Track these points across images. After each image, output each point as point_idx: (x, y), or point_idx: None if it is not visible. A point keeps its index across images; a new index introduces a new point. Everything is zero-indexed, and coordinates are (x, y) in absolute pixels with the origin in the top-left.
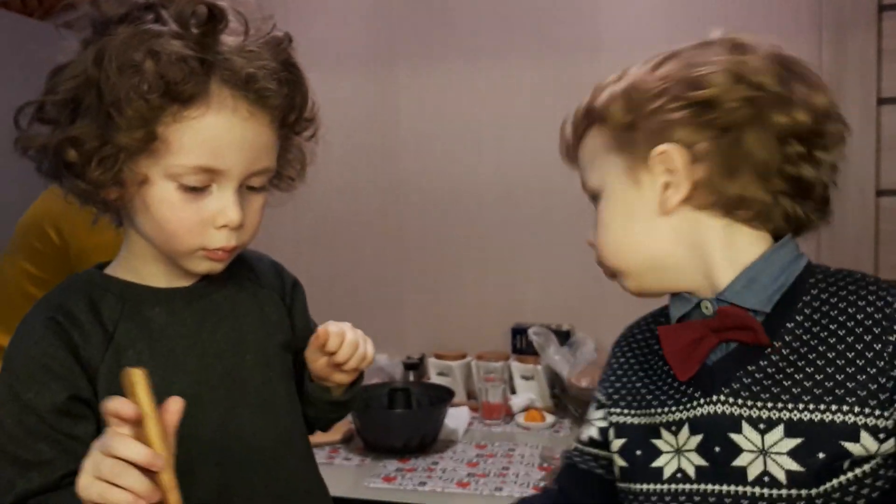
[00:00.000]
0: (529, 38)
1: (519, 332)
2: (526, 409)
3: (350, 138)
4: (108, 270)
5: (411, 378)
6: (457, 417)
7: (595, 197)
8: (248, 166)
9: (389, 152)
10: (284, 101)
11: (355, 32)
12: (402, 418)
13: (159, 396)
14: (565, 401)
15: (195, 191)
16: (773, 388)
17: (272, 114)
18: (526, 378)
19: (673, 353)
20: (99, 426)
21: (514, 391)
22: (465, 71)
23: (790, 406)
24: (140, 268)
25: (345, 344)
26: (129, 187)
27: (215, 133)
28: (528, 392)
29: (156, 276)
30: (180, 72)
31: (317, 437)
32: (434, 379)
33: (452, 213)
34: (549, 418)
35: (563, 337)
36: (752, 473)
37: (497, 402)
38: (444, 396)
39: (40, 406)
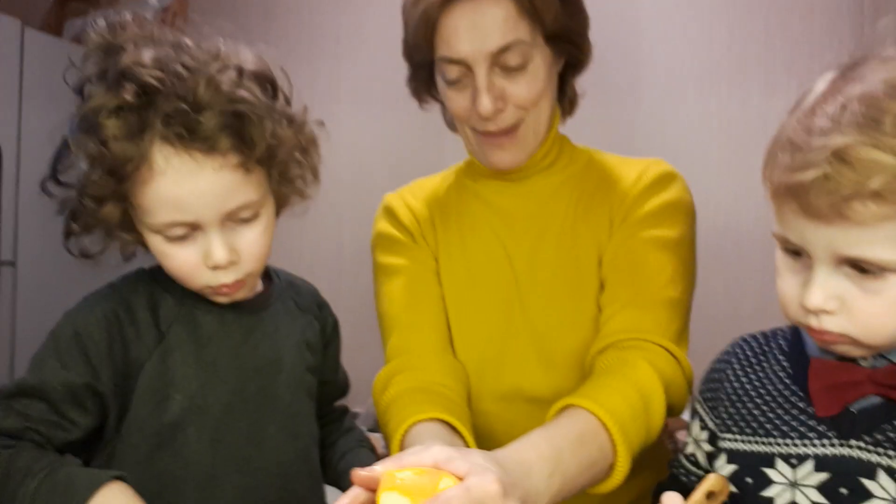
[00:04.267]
0: None
1: None
2: None
3: (396, 175)
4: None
5: None
6: None
7: (867, 267)
8: (219, 210)
9: None
10: (232, 141)
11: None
12: None
13: (196, 401)
14: None
15: (181, 239)
16: None
17: (224, 157)
18: None
19: (821, 389)
20: (101, 420)
21: None
22: None
23: None
24: None
25: None
26: (131, 245)
27: (170, 192)
28: None
29: None
30: (119, 149)
31: None
32: None
33: None
34: None
35: None
36: None
37: None
38: None
39: (56, 377)
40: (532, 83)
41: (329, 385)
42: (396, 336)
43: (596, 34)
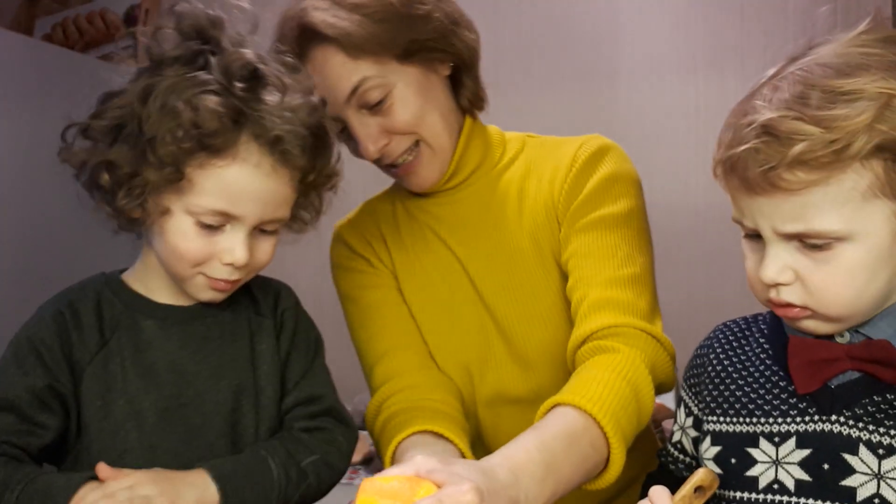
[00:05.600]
0: (548, 66)
1: None
2: None
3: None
4: (124, 276)
5: None
6: None
7: (812, 242)
8: (262, 215)
9: None
10: (307, 162)
11: None
12: None
13: (132, 404)
14: None
15: (210, 228)
16: None
17: (293, 173)
18: None
19: (800, 366)
20: (68, 421)
21: None
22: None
23: None
24: (149, 280)
25: None
26: (151, 214)
27: (236, 183)
28: None
29: (161, 291)
30: (214, 124)
31: None
32: None
33: None
34: None
35: None
36: (862, 494)
37: None
38: None
39: (19, 385)
40: (403, 108)
41: (297, 395)
42: (378, 363)
43: (575, 22)
